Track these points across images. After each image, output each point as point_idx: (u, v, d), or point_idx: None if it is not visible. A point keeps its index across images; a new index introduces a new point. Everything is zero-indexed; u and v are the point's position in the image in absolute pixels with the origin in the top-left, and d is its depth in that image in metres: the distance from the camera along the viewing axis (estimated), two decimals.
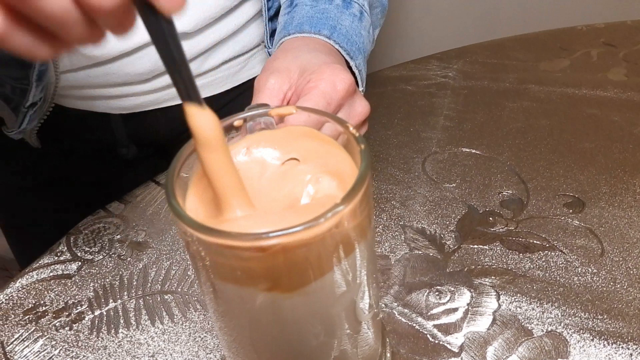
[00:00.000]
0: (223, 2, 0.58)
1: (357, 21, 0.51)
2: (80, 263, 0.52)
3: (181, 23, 0.56)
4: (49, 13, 0.24)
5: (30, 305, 0.48)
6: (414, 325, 0.43)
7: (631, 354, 0.40)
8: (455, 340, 0.42)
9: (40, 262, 0.52)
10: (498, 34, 0.81)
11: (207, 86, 0.64)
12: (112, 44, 0.55)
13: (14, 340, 0.46)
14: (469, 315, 0.43)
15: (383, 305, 0.45)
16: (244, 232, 0.25)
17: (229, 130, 0.32)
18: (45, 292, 0.49)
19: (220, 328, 0.33)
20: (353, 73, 0.47)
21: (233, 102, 0.67)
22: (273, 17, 0.60)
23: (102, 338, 0.45)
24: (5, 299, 0.49)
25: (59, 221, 0.59)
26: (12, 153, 0.67)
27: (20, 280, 0.51)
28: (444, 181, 0.56)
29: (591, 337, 0.41)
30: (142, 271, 0.50)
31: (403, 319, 0.44)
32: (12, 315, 0.48)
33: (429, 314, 0.44)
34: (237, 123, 0.32)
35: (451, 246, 0.49)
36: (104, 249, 0.53)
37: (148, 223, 0.55)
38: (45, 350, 0.45)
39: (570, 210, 0.51)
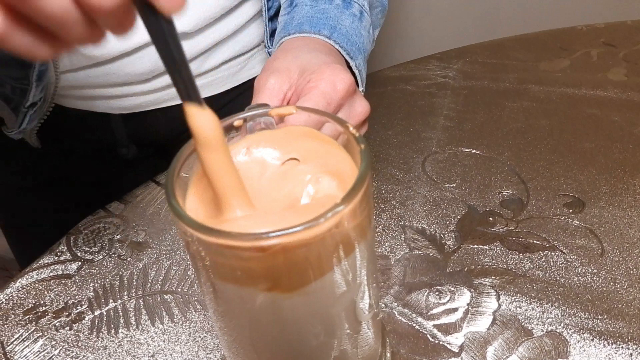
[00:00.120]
0: (223, 2, 0.58)
1: (357, 21, 0.51)
2: (80, 263, 0.52)
3: (181, 23, 0.56)
4: (49, 13, 0.24)
5: (30, 305, 0.48)
6: (414, 325, 0.43)
7: (631, 354, 0.40)
8: (455, 340, 0.42)
9: (40, 262, 0.52)
10: (498, 34, 0.81)
11: (207, 86, 0.64)
12: (112, 44, 0.55)
13: (14, 340, 0.46)
14: (469, 315, 0.43)
15: (383, 305, 0.45)
16: (244, 232, 0.25)
17: (229, 130, 0.32)
18: (45, 292, 0.49)
19: (220, 328, 0.33)
20: (353, 73, 0.47)
21: (233, 102, 0.67)
22: (273, 17, 0.60)
23: (102, 338, 0.45)
24: (5, 299, 0.49)
25: (59, 221, 0.59)
26: (12, 153, 0.67)
27: (20, 280, 0.51)
28: (444, 181, 0.56)
29: (591, 337, 0.41)
30: (142, 271, 0.50)
31: (403, 319, 0.44)
32: (12, 315, 0.48)
33: (429, 314, 0.44)
34: (237, 123, 0.32)
35: (451, 246, 0.49)
36: (104, 249, 0.53)
37: (148, 223, 0.55)
38: (45, 350, 0.45)
39: (570, 210, 0.51)
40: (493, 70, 0.72)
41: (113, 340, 0.45)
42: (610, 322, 0.42)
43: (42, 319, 0.47)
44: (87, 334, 0.46)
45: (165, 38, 0.26)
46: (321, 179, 0.30)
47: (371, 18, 0.54)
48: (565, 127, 0.61)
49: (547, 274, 0.46)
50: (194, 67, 0.61)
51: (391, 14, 0.80)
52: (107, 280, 0.50)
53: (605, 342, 0.41)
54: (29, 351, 0.45)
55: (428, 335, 0.42)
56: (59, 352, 0.44)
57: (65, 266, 0.52)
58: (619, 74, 0.68)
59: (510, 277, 0.46)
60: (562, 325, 0.42)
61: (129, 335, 0.45)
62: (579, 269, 0.46)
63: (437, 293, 0.45)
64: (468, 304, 0.44)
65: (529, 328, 0.42)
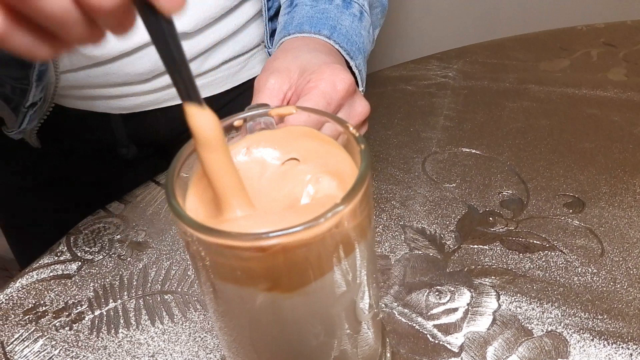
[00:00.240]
0: (223, 2, 0.58)
1: (357, 21, 0.51)
2: (80, 263, 0.52)
3: (181, 23, 0.56)
4: (49, 13, 0.24)
5: (30, 305, 0.48)
6: (414, 325, 0.43)
7: (631, 354, 0.40)
8: (455, 340, 0.42)
9: (40, 262, 0.52)
10: (498, 34, 0.81)
11: (207, 86, 0.64)
12: (112, 44, 0.55)
13: (14, 340, 0.46)
14: (469, 315, 0.43)
15: (383, 305, 0.45)
16: (244, 232, 0.25)
17: (229, 130, 0.32)
18: (45, 292, 0.49)
19: (220, 328, 0.33)
20: (353, 73, 0.47)
21: (233, 102, 0.67)
22: (273, 17, 0.60)
23: (102, 338, 0.45)
24: (5, 299, 0.49)
25: (59, 221, 0.59)
26: (12, 153, 0.67)
27: (20, 280, 0.51)
28: (444, 181, 0.56)
29: (591, 337, 0.41)
30: (142, 271, 0.50)
31: (403, 319, 0.44)
32: (12, 315, 0.48)
33: (429, 314, 0.44)
34: (237, 123, 0.32)
35: (451, 246, 0.49)
36: (104, 249, 0.53)
37: (148, 223, 0.55)
38: (45, 350, 0.45)
39: (570, 210, 0.51)
40: (493, 70, 0.72)
41: (113, 340, 0.45)
42: (610, 322, 0.42)
43: (42, 319, 0.47)
44: (87, 334, 0.46)
45: (165, 38, 0.26)
46: (321, 179, 0.30)
47: (371, 18, 0.54)
48: (565, 127, 0.61)
49: (547, 274, 0.46)
50: (194, 67, 0.61)
51: (391, 14, 0.80)
52: (107, 280, 0.50)
53: (605, 342, 0.41)
54: (29, 351, 0.45)
55: (428, 335, 0.42)
56: (59, 352, 0.44)
57: (65, 266, 0.52)
58: (619, 74, 0.68)
59: (510, 277, 0.46)
60: (562, 325, 0.42)
61: (129, 335, 0.45)
62: (579, 269, 0.46)
63: (437, 293, 0.45)
64: (468, 304, 0.44)
65: (529, 328, 0.42)
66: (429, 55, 0.76)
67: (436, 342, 0.42)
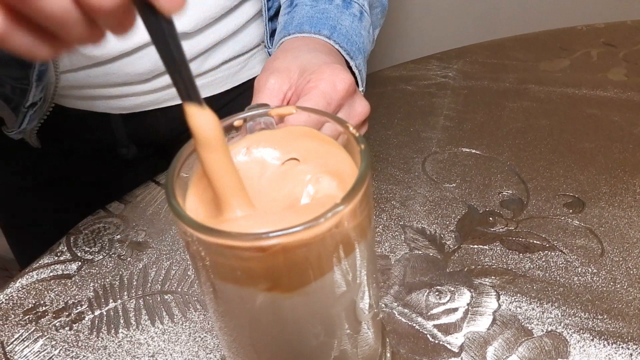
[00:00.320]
0: (223, 2, 0.58)
1: (357, 21, 0.51)
2: (80, 263, 0.52)
3: (181, 23, 0.56)
4: (49, 13, 0.24)
5: (30, 305, 0.48)
6: (414, 325, 0.43)
7: (631, 354, 0.40)
8: (455, 340, 0.42)
9: (40, 262, 0.52)
10: (498, 34, 0.81)
11: (207, 86, 0.64)
12: (112, 44, 0.55)
13: (14, 340, 0.46)
14: (469, 315, 0.43)
15: (383, 305, 0.45)
16: (244, 232, 0.25)
17: (229, 130, 0.32)
18: (45, 292, 0.49)
19: (220, 328, 0.33)
20: (353, 73, 0.47)
21: (233, 102, 0.67)
22: (273, 17, 0.60)
23: (102, 338, 0.45)
24: (5, 299, 0.49)
25: (59, 221, 0.59)
26: (12, 153, 0.67)
27: (20, 280, 0.51)
28: (444, 181, 0.56)
29: (591, 337, 0.41)
30: (142, 271, 0.50)
31: (403, 319, 0.44)
32: (12, 315, 0.48)
33: (429, 314, 0.44)
34: (237, 123, 0.32)
35: (451, 246, 0.49)
36: (104, 249, 0.53)
37: (148, 223, 0.55)
38: (45, 350, 0.45)
39: (570, 210, 0.51)
40: (493, 70, 0.72)
41: (113, 340, 0.45)
42: (610, 322, 0.42)
43: (42, 319, 0.47)
44: (87, 334, 0.46)
45: (165, 38, 0.26)
46: (321, 179, 0.30)
47: (371, 18, 0.54)
48: (565, 127, 0.61)
49: (547, 274, 0.46)
50: (194, 67, 0.61)
51: (391, 14, 0.80)
52: (107, 280, 0.50)
53: (605, 342, 0.41)
54: (29, 351, 0.45)
55: (428, 335, 0.42)
56: (59, 352, 0.44)
57: (65, 266, 0.52)
58: (619, 74, 0.68)
59: (510, 277, 0.46)
60: (562, 325, 0.42)
61: (129, 335, 0.45)
62: (579, 269, 0.46)
63: (437, 293, 0.45)
64: (468, 304, 0.44)
65: (529, 328, 0.42)
66: (429, 55, 0.76)
67: (436, 342, 0.42)
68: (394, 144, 0.61)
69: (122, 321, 0.46)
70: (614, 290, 0.44)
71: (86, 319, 0.47)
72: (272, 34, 0.60)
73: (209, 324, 0.45)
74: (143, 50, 0.57)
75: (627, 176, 0.54)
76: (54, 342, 0.45)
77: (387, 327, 0.43)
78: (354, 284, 0.30)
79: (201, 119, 0.27)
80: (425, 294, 0.45)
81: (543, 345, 0.41)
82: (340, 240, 0.27)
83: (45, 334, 0.46)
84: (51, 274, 0.51)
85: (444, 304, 0.44)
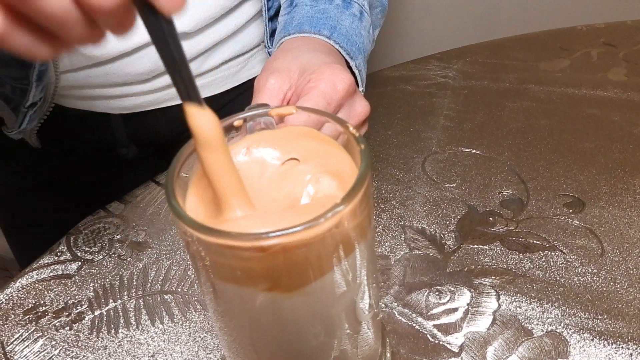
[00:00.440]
0: (223, 2, 0.58)
1: (357, 21, 0.51)
2: (80, 263, 0.52)
3: (181, 23, 0.56)
4: (49, 13, 0.24)
5: (30, 305, 0.48)
6: (414, 325, 0.43)
7: (631, 354, 0.40)
8: (455, 340, 0.42)
9: (40, 262, 0.52)
10: (498, 34, 0.81)
11: (207, 86, 0.64)
12: (112, 44, 0.55)
13: (14, 340, 0.46)
14: (469, 315, 0.43)
15: (383, 305, 0.45)
16: (244, 232, 0.25)
17: (229, 130, 0.32)
18: (45, 292, 0.49)
19: (220, 328, 0.33)
20: (353, 73, 0.47)
21: (233, 102, 0.67)
22: (273, 17, 0.60)
23: (102, 338, 0.45)
24: (5, 299, 0.49)
25: (59, 221, 0.59)
26: (12, 153, 0.67)
27: (20, 280, 0.51)
28: (444, 181, 0.56)
29: (591, 337, 0.41)
30: (142, 271, 0.50)
31: (403, 319, 0.44)
32: (12, 315, 0.48)
33: (429, 314, 0.44)
34: (237, 123, 0.32)
35: (451, 246, 0.49)
36: (104, 249, 0.53)
37: (148, 223, 0.55)
38: (45, 350, 0.45)
39: (570, 210, 0.51)
40: (493, 70, 0.72)
41: (113, 340, 0.45)
42: (610, 322, 0.42)
43: (42, 319, 0.47)
44: (87, 334, 0.46)
45: (165, 38, 0.26)
46: (321, 179, 0.30)
47: (371, 18, 0.54)
48: (565, 127, 0.61)
49: (547, 274, 0.46)
50: (194, 67, 0.61)
51: (391, 14, 0.80)
52: (107, 280, 0.50)
53: (605, 342, 0.41)
54: (29, 351, 0.45)
55: (428, 335, 0.42)
56: (59, 352, 0.44)
57: (65, 266, 0.52)
58: (619, 74, 0.68)
59: (510, 277, 0.46)
60: (562, 325, 0.42)
61: (129, 335, 0.45)
62: (579, 269, 0.46)
63: (437, 293, 0.45)
64: (468, 304, 0.44)
65: (529, 328, 0.42)
66: (429, 55, 0.76)
67: (436, 342, 0.42)
68: (394, 144, 0.61)
69: (122, 321, 0.46)
70: (614, 290, 0.44)
71: (86, 319, 0.47)
72: (272, 34, 0.60)
73: (209, 324, 0.45)
74: (143, 50, 0.57)
75: (627, 176, 0.54)
76: (54, 342, 0.45)
77: (387, 327, 0.43)
78: (354, 284, 0.30)
79: (201, 119, 0.27)
80: (425, 294, 0.45)
81: (543, 345, 0.41)
82: (340, 240, 0.27)
83: (45, 334, 0.46)
84: (51, 274, 0.51)
85: (444, 304, 0.44)
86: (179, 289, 0.48)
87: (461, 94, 0.68)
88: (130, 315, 0.47)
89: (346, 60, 0.47)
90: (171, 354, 0.43)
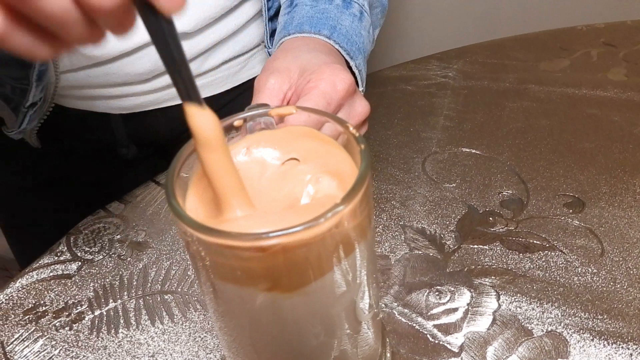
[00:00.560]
0: (223, 2, 0.58)
1: (357, 21, 0.51)
2: (80, 263, 0.52)
3: (181, 23, 0.56)
4: (49, 13, 0.24)
5: (30, 305, 0.48)
6: (414, 325, 0.43)
7: (631, 354, 0.40)
8: (455, 340, 0.42)
9: (40, 262, 0.52)
10: (498, 34, 0.81)
11: (207, 86, 0.64)
12: (112, 44, 0.55)
13: (14, 340, 0.46)
14: (469, 315, 0.43)
15: (383, 305, 0.45)
16: (244, 232, 0.25)
17: (229, 130, 0.32)
18: (45, 292, 0.49)
19: (220, 328, 0.33)
20: (353, 73, 0.47)
21: (233, 102, 0.67)
22: (273, 17, 0.60)
23: (102, 338, 0.45)
24: (5, 299, 0.49)
25: (59, 221, 0.59)
26: (12, 153, 0.67)
27: (20, 280, 0.51)
28: (444, 181, 0.56)
29: (591, 337, 0.41)
30: (142, 271, 0.50)
31: (403, 319, 0.44)
32: (12, 315, 0.48)
33: (429, 314, 0.44)
34: (237, 123, 0.32)
35: (451, 246, 0.49)
36: (104, 249, 0.53)
37: (148, 223, 0.55)
38: (45, 350, 0.45)
39: (570, 210, 0.51)
40: (493, 70, 0.72)
41: (113, 340, 0.45)
42: (610, 322, 0.42)
43: (42, 319, 0.47)
44: (87, 334, 0.46)
45: (165, 38, 0.26)
46: (321, 179, 0.30)
47: (371, 18, 0.54)
48: (565, 127, 0.61)
49: (547, 274, 0.46)
50: (194, 67, 0.61)
51: (391, 14, 0.80)
52: (107, 280, 0.50)
53: (605, 342, 0.41)
54: (29, 351, 0.45)
55: (428, 335, 0.42)
56: (59, 352, 0.44)
57: (65, 266, 0.52)
58: (619, 74, 0.68)
59: (510, 277, 0.46)
60: (562, 325, 0.42)
61: (129, 335, 0.45)
62: (579, 269, 0.46)
63: (437, 293, 0.45)
64: (468, 304, 0.44)
65: (529, 328, 0.42)
66: (429, 55, 0.76)
67: (436, 342, 0.42)
68: (394, 144, 0.61)
69: (122, 321, 0.46)
70: (614, 290, 0.44)
71: (86, 319, 0.47)
72: (272, 34, 0.60)
73: (209, 324, 0.45)
74: (143, 50, 0.57)
75: (627, 176, 0.54)
76: (54, 342, 0.45)
77: (387, 327, 0.43)
78: (354, 284, 0.30)
79: (201, 119, 0.27)
80: (425, 294, 0.45)
81: (543, 345, 0.41)
82: (340, 240, 0.27)
83: (45, 334, 0.46)
84: (51, 274, 0.51)
85: (444, 304, 0.44)
86: (179, 289, 0.48)
87: (461, 94, 0.68)
88: (130, 315, 0.47)
89: (346, 60, 0.47)
90: (171, 354, 0.43)
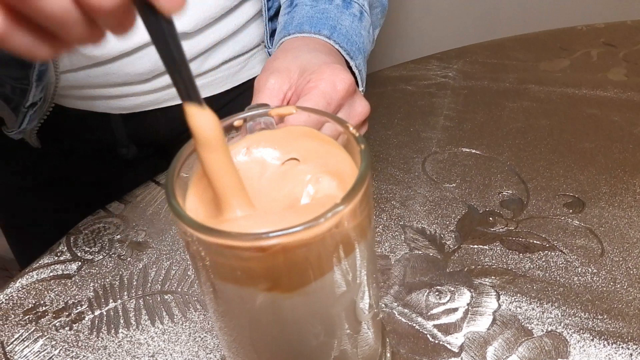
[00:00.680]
0: (223, 2, 0.58)
1: (357, 21, 0.51)
2: (80, 263, 0.52)
3: (181, 23, 0.56)
4: (49, 13, 0.24)
5: (30, 305, 0.48)
6: (414, 325, 0.43)
7: (631, 354, 0.40)
8: (455, 340, 0.42)
9: (40, 262, 0.52)
10: (498, 34, 0.81)
11: (207, 86, 0.64)
12: (112, 44, 0.55)
13: (14, 340, 0.46)
14: (469, 315, 0.43)
15: (383, 305, 0.45)
16: (244, 232, 0.25)
17: (229, 130, 0.32)
18: (45, 292, 0.49)
19: (220, 328, 0.33)
20: (353, 73, 0.47)
21: (233, 102, 0.67)
22: (273, 17, 0.60)
23: (102, 338, 0.45)
24: (5, 299, 0.49)
25: (59, 221, 0.59)
26: (12, 153, 0.67)
27: (20, 280, 0.51)
28: (444, 181, 0.56)
29: (591, 337, 0.41)
30: (142, 271, 0.50)
31: (403, 319, 0.44)
32: (12, 315, 0.48)
33: (429, 314, 0.44)
34: (237, 123, 0.32)
35: (451, 246, 0.49)
36: (104, 249, 0.53)
37: (148, 223, 0.55)
38: (45, 350, 0.45)
39: (570, 210, 0.51)
40: (493, 70, 0.72)
41: (113, 340, 0.45)
42: (610, 322, 0.42)
43: (42, 319, 0.47)
44: (87, 334, 0.46)
45: (165, 38, 0.26)
46: (321, 179, 0.30)
47: (371, 18, 0.54)
48: (565, 127, 0.61)
49: (547, 274, 0.46)
50: (194, 67, 0.61)
51: (391, 14, 0.80)
52: (107, 280, 0.50)
53: (605, 342, 0.41)
54: (29, 351, 0.45)
55: (428, 335, 0.42)
56: (59, 352, 0.44)
57: (65, 266, 0.52)
58: (619, 74, 0.68)
59: (510, 277, 0.46)
60: (562, 325, 0.42)
61: (129, 335, 0.45)
62: (579, 269, 0.46)
63: (437, 293, 0.45)
64: (468, 304, 0.44)
65: (529, 328, 0.42)
66: (429, 55, 0.76)
67: (436, 342, 0.42)
68: (394, 144, 0.61)
69: (122, 321, 0.46)
70: (614, 290, 0.44)
71: (86, 319, 0.47)
72: (272, 34, 0.60)
73: (209, 324, 0.45)
74: (143, 50, 0.57)
75: (627, 176, 0.54)
76: (54, 342, 0.45)
77: (387, 327, 0.43)
78: (354, 284, 0.30)
79: (201, 119, 0.27)
80: (425, 294, 0.45)
81: (543, 345, 0.41)
82: (340, 240, 0.27)
83: (45, 334, 0.46)
84: (51, 274, 0.51)
85: (444, 304, 0.44)
86: (179, 289, 0.48)
87: (461, 94, 0.68)
88: (130, 315, 0.47)
89: (346, 60, 0.47)
90: (171, 354, 0.43)
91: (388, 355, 0.39)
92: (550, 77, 0.69)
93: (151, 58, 0.57)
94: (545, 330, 0.42)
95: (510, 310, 0.43)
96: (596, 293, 0.44)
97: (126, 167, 0.70)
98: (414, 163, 0.58)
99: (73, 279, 0.50)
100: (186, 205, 0.30)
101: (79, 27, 0.25)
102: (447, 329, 0.42)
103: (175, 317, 0.46)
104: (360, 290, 0.30)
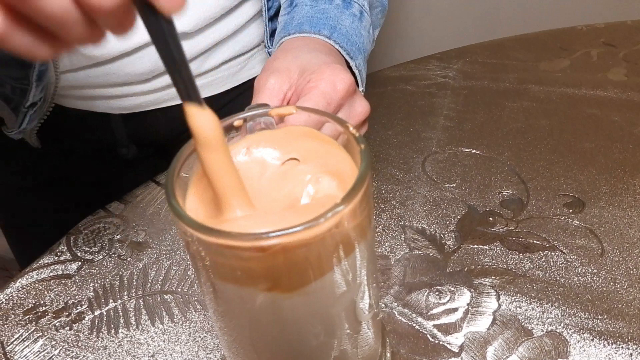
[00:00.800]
0: (223, 2, 0.58)
1: (357, 21, 0.51)
2: (80, 263, 0.52)
3: (181, 23, 0.56)
4: (49, 13, 0.24)
5: (30, 305, 0.48)
6: (414, 325, 0.43)
7: (631, 354, 0.40)
8: (455, 340, 0.42)
9: (40, 262, 0.52)
10: (498, 34, 0.81)
11: (207, 86, 0.64)
12: (112, 44, 0.55)
13: (14, 340, 0.46)
14: (469, 315, 0.43)
15: (383, 305, 0.45)
16: (244, 232, 0.25)
17: (229, 130, 0.32)
18: (45, 292, 0.49)
19: (220, 328, 0.33)
20: (353, 73, 0.47)
21: (233, 102, 0.67)
22: (273, 17, 0.60)
23: (102, 338, 0.45)
24: (5, 299, 0.49)
25: (59, 221, 0.59)
26: (12, 153, 0.67)
27: (20, 280, 0.51)
28: (444, 181, 0.56)
29: (591, 337, 0.41)
30: (142, 271, 0.50)
31: (403, 319, 0.44)
32: (12, 315, 0.48)
33: (429, 314, 0.44)
34: (237, 123, 0.32)
35: (451, 246, 0.49)
36: (104, 249, 0.53)
37: (148, 223, 0.55)
38: (45, 350, 0.45)
39: (570, 210, 0.51)
40: (493, 70, 0.72)
41: (113, 340, 0.45)
42: (610, 322, 0.42)
43: (42, 319, 0.47)
44: (87, 334, 0.46)
45: (165, 38, 0.26)
46: (321, 179, 0.30)
47: (371, 18, 0.54)
48: (565, 127, 0.61)
49: (547, 274, 0.46)
50: (194, 67, 0.61)
51: (391, 14, 0.80)
52: (107, 280, 0.50)
53: (605, 342, 0.41)
54: (29, 351, 0.45)
55: (428, 335, 0.42)
56: (59, 352, 0.44)
57: (65, 266, 0.52)
58: (619, 74, 0.68)
59: (510, 277, 0.46)
60: (562, 325, 0.42)
61: (129, 335, 0.45)
62: (579, 269, 0.46)
63: (437, 293, 0.45)
64: (468, 304, 0.44)
65: (529, 328, 0.42)
66: (429, 55, 0.76)
67: (436, 342, 0.42)
68: (394, 144, 0.61)
69: (122, 321, 0.46)
70: (614, 290, 0.44)
71: (86, 319, 0.47)
72: (272, 34, 0.60)
73: (209, 324, 0.45)
74: (143, 50, 0.57)
75: (627, 176, 0.54)
76: (54, 342, 0.45)
77: (387, 327, 0.43)
78: (354, 284, 0.30)
79: (201, 119, 0.27)
80: (425, 294, 0.45)
81: (543, 345, 0.41)
82: (340, 240, 0.27)
83: (45, 334, 0.46)
84: (51, 274, 0.51)
85: (444, 304, 0.44)
86: (179, 289, 0.48)
87: (461, 94, 0.68)
88: (130, 315, 0.47)
89: (346, 60, 0.47)
90: (171, 354, 0.43)
91: (388, 355, 0.39)
92: (550, 77, 0.69)
93: (151, 58, 0.57)
94: (545, 330, 0.42)
95: (510, 310, 0.43)
96: (596, 293, 0.44)
97: (126, 167, 0.70)
98: (414, 163, 0.58)
99: (73, 279, 0.50)
100: (186, 205, 0.30)
101: (79, 27, 0.25)
102: (447, 329, 0.42)
103: (175, 317, 0.46)
104: (360, 290, 0.30)
